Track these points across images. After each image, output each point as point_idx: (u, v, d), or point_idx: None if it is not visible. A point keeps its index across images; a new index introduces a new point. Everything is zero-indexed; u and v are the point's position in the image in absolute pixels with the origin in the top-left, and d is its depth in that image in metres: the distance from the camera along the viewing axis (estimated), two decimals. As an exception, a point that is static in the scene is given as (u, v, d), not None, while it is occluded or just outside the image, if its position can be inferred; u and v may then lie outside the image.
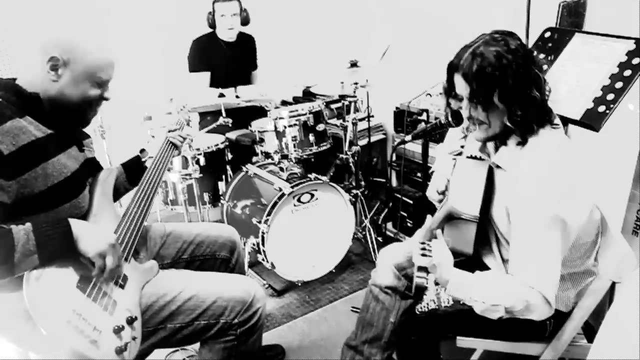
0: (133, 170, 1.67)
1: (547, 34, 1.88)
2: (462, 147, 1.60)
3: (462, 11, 2.84)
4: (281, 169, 2.65)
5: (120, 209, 1.79)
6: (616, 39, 1.66)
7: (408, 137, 1.86)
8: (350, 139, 2.81)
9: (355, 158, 2.84)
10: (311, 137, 2.61)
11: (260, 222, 2.34)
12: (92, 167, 1.48)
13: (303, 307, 2.41)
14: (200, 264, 1.71)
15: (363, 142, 3.22)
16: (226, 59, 3.02)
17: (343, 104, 2.87)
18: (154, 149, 1.71)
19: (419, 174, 3.03)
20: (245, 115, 2.88)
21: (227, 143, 2.79)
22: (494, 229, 1.46)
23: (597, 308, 1.39)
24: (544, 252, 1.24)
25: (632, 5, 1.95)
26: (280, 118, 2.57)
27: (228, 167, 2.82)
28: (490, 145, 1.42)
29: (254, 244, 2.41)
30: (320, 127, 2.63)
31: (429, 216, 1.49)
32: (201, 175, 2.40)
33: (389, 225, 3.07)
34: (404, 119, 2.95)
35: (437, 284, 1.29)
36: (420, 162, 2.50)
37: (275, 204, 2.33)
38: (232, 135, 2.91)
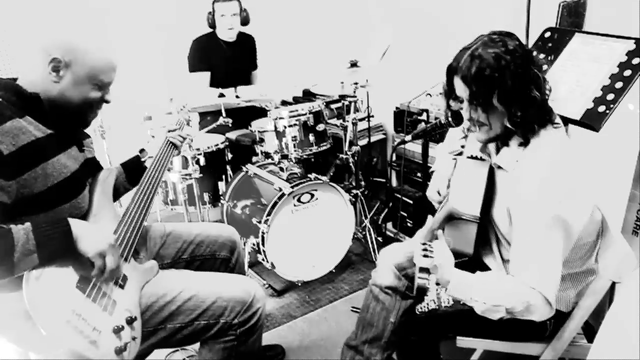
0: (132, 170, 1.67)
1: (547, 34, 1.88)
2: (463, 147, 1.60)
3: (462, 11, 2.84)
4: (281, 169, 2.65)
5: (120, 209, 1.79)
6: (616, 39, 1.66)
7: (408, 137, 1.86)
8: (350, 139, 2.81)
9: (355, 158, 2.84)
10: (311, 137, 2.61)
11: (260, 222, 2.34)
12: (92, 167, 1.48)
13: (303, 307, 2.41)
14: (200, 264, 1.70)
15: (363, 142, 3.22)
16: (226, 59, 3.02)
17: (343, 104, 2.87)
18: (154, 149, 1.71)
19: (419, 174, 3.03)
20: (245, 115, 2.88)
21: (227, 143, 2.79)
22: (495, 230, 1.46)
23: (597, 308, 1.39)
24: (545, 253, 1.24)
25: (632, 5, 1.95)
26: (280, 118, 2.57)
27: (228, 167, 2.82)
28: (491, 146, 1.42)
29: (254, 244, 2.41)
30: (320, 127, 2.63)
31: (429, 217, 1.49)
32: (201, 175, 2.40)
33: (389, 225, 3.07)
34: (404, 119, 2.95)
35: (437, 284, 1.29)
36: (420, 162, 2.50)
37: (275, 204, 2.33)
38: (232, 135, 2.91)
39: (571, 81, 1.70)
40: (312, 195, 2.47)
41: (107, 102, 1.39)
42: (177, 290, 1.41)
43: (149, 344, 1.36)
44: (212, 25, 3.00)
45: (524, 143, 1.30)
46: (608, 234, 1.41)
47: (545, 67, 1.77)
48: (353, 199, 2.65)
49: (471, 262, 1.46)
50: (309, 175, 2.52)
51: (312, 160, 3.24)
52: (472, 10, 2.78)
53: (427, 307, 1.27)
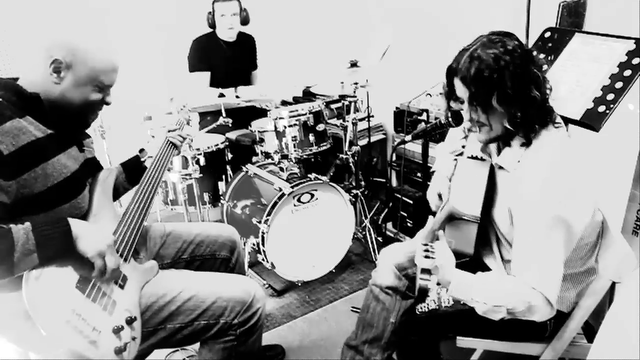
0: (132, 170, 1.67)
1: (547, 34, 1.88)
2: (463, 147, 1.60)
3: (462, 11, 2.84)
4: (281, 169, 2.65)
5: (120, 209, 1.79)
6: (616, 39, 1.66)
7: (408, 137, 1.86)
8: (350, 139, 2.81)
9: (355, 158, 2.84)
10: (311, 137, 2.61)
11: (260, 222, 2.33)
12: (92, 167, 1.48)
13: (303, 307, 2.41)
14: (200, 264, 1.70)
15: (363, 142, 3.22)
16: (226, 58, 3.02)
17: (343, 104, 2.86)
18: (154, 149, 1.70)
19: (419, 174, 3.03)
20: (245, 115, 2.88)
21: (227, 143, 2.79)
22: (495, 230, 1.45)
23: (597, 308, 1.39)
24: (546, 253, 1.24)
25: (632, 5, 1.95)
26: (280, 118, 2.57)
27: (228, 167, 2.82)
28: (492, 146, 1.42)
29: (254, 244, 2.41)
30: (320, 127, 2.63)
31: (430, 217, 1.49)
32: (201, 175, 2.40)
33: (389, 225, 3.06)
34: (404, 119, 2.95)
35: (438, 284, 1.29)
36: (420, 162, 2.50)
37: (275, 204, 2.33)
38: (232, 135, 2.91)
39: (571, 81, 1.70)
40: (312, 195, 2.47)
41: (107, 104, 1.39)
42: (177, 291, 1.41)
43: (149, 344, 1.36)
44: (212, 25, 3.00)
45: (526, 143, 1.30)
46: (608, 234, 1.41)
47: (545, 67, 1.77)
48: (353, 199, 2.65)
49: (472, 263, 1.46)
50: (309, 175, 2.52)
51: (312, 160, 3.24)
52: (472, 10, 2.78)
53: (427, 307, 1.27)
